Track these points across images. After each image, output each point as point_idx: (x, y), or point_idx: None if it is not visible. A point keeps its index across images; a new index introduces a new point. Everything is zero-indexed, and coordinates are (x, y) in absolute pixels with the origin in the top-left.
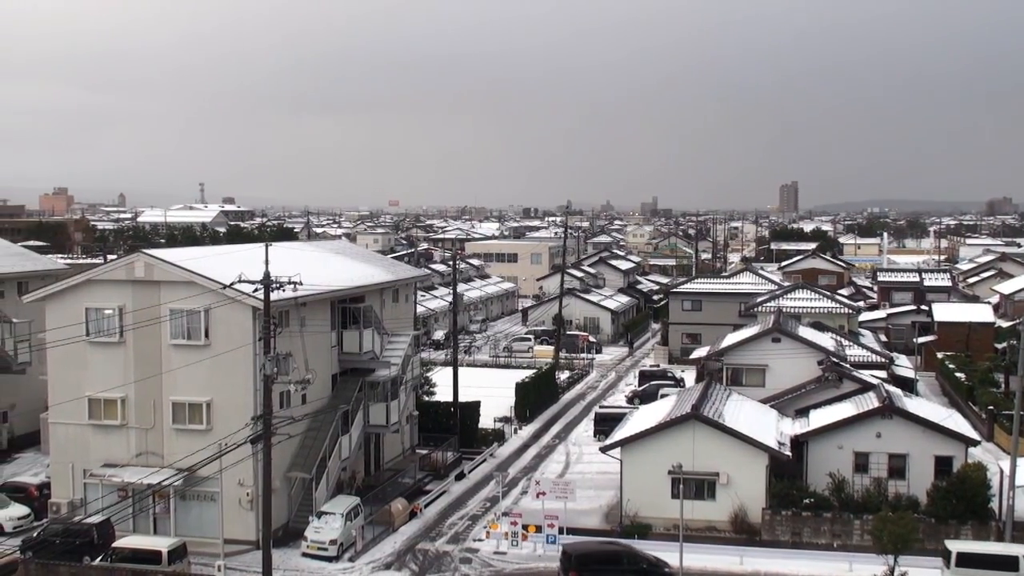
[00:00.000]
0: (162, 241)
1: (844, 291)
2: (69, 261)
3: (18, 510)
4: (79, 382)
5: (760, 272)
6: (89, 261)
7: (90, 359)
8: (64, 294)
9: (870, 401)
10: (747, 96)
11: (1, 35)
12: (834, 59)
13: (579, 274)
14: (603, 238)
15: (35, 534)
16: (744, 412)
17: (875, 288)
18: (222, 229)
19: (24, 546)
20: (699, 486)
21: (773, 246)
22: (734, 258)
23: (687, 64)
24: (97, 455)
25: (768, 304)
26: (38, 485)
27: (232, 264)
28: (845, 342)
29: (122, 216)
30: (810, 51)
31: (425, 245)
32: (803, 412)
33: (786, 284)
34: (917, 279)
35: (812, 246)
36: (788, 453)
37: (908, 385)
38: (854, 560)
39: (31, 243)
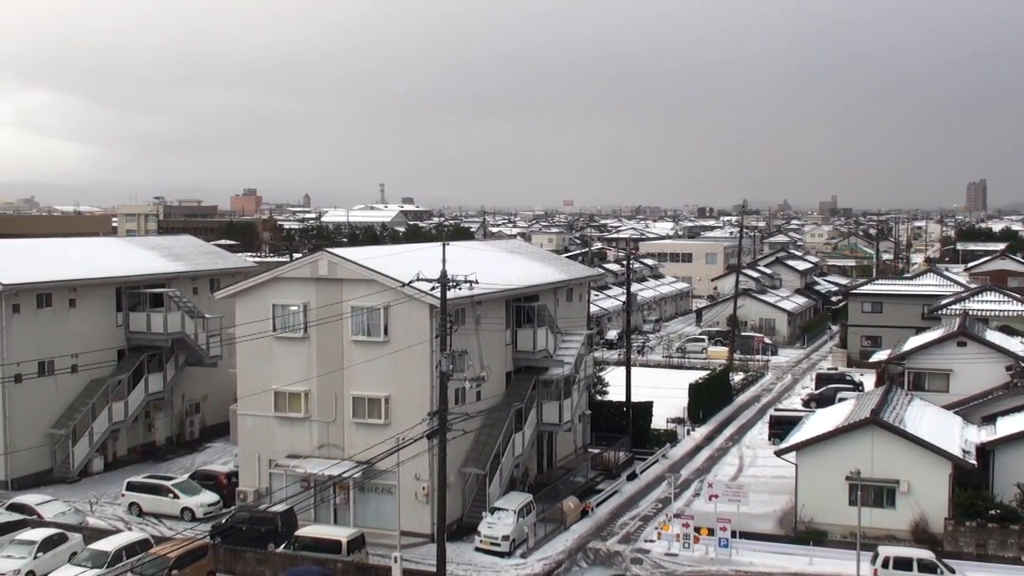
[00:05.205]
0: (344, 240)
1: None
2: (258, 259)
3: (208, 497)
4: (266, 375)
5: (945, 273)
6: (276, 259)
7: (276, 354)
8: (253, 291)
9: None
10: (930, 87)
11: (198, 49)
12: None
13: (755, 274)
14: (780, 238)
15: (223, 520)
16: (926, 418)
17: None
18: (401, 228)
19: (213, 531)
20: (878, 493)
21: (959, 246)
22: (917, 259)
23: (861, 53)
24: (282, 446)
25: (953, 307)
26: (227, 473)
27: (410, 263)
28: None
29: (307, 216)
30: (996, 31)
31: (599, 244)
32: (990, 419)
33: (973, 286)
34: None
35: (1001, 246)
36: (973, 461)
37: None
38: None
39: (223, 242)
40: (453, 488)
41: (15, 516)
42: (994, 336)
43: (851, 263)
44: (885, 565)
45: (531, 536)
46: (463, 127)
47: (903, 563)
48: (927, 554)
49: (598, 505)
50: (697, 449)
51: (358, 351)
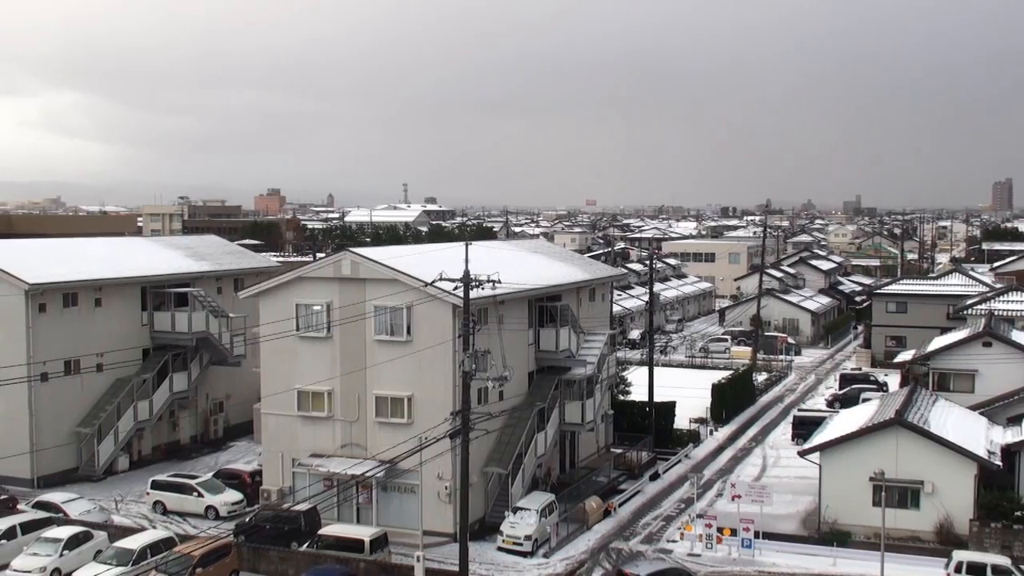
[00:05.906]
0: (367, 240)
1: None
2: (281, 259)
3: (232, 495)
4: (289, 375)
5: (970, 273)
6: (300, 259)
7: (299, 353)
8: (276, 290)
9: None
10: (956, 85)
11: (220, 50)
12: None
13: (778, 274)
14: (803, 238)
15: (247, 519)
16: (951, 419)
17: None
18: (424, 228)
19: (237, 530)
20: (902, 494)
21: (985, 246)
22: (942, 259)
23: (886, 51)
24: (305, 445)
25: (979, 307)
26: (250, 472)
27: (433, 262)
28: None
29: (330, 216)
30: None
31: (622, 244)
32: (1016, 420)
33: (998, 286)
34: None
35: None
36: (998, 462)
37: None
38: None
39: (247, 241)
40: (476, 488)
41: (41, 514)
42: (1020, 336)
43: (875, 263)
44: (959, 570)
45: (553, 536)
46: (485, 127)
47: (977, 568)
48: (1003, 560)
49: (621, 505)
50: (720, 449)
51: (381, 351)
